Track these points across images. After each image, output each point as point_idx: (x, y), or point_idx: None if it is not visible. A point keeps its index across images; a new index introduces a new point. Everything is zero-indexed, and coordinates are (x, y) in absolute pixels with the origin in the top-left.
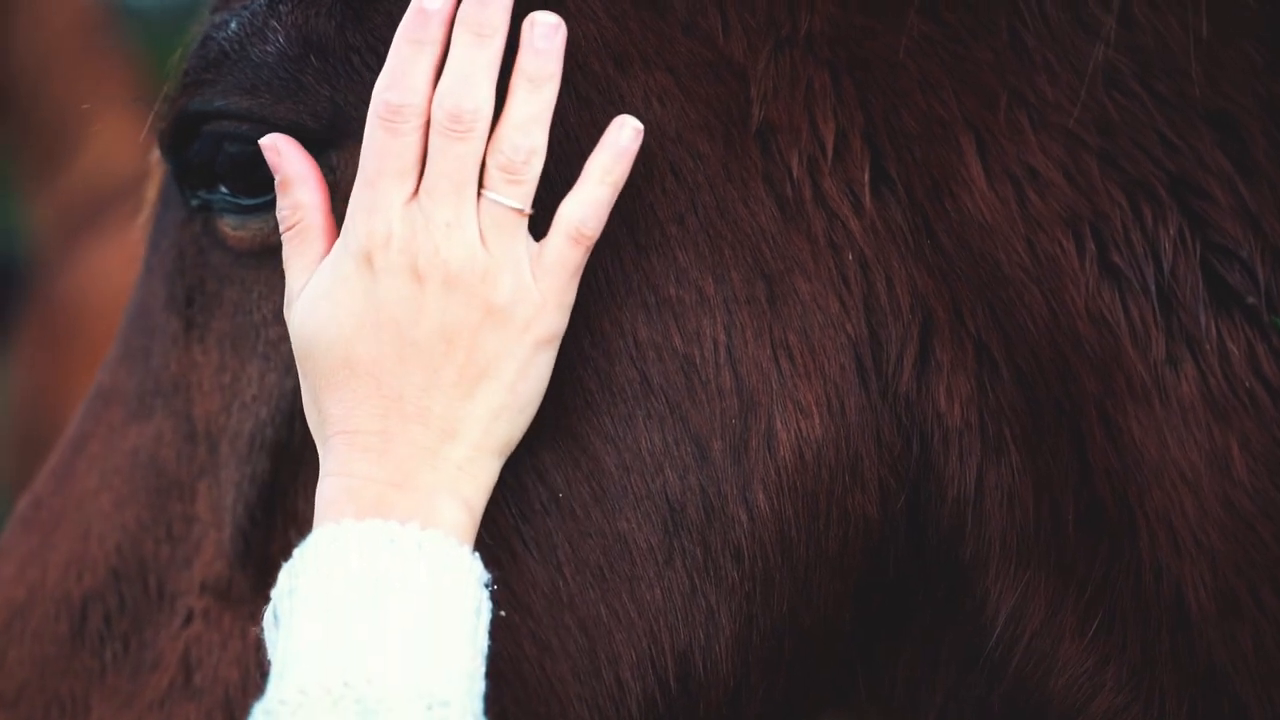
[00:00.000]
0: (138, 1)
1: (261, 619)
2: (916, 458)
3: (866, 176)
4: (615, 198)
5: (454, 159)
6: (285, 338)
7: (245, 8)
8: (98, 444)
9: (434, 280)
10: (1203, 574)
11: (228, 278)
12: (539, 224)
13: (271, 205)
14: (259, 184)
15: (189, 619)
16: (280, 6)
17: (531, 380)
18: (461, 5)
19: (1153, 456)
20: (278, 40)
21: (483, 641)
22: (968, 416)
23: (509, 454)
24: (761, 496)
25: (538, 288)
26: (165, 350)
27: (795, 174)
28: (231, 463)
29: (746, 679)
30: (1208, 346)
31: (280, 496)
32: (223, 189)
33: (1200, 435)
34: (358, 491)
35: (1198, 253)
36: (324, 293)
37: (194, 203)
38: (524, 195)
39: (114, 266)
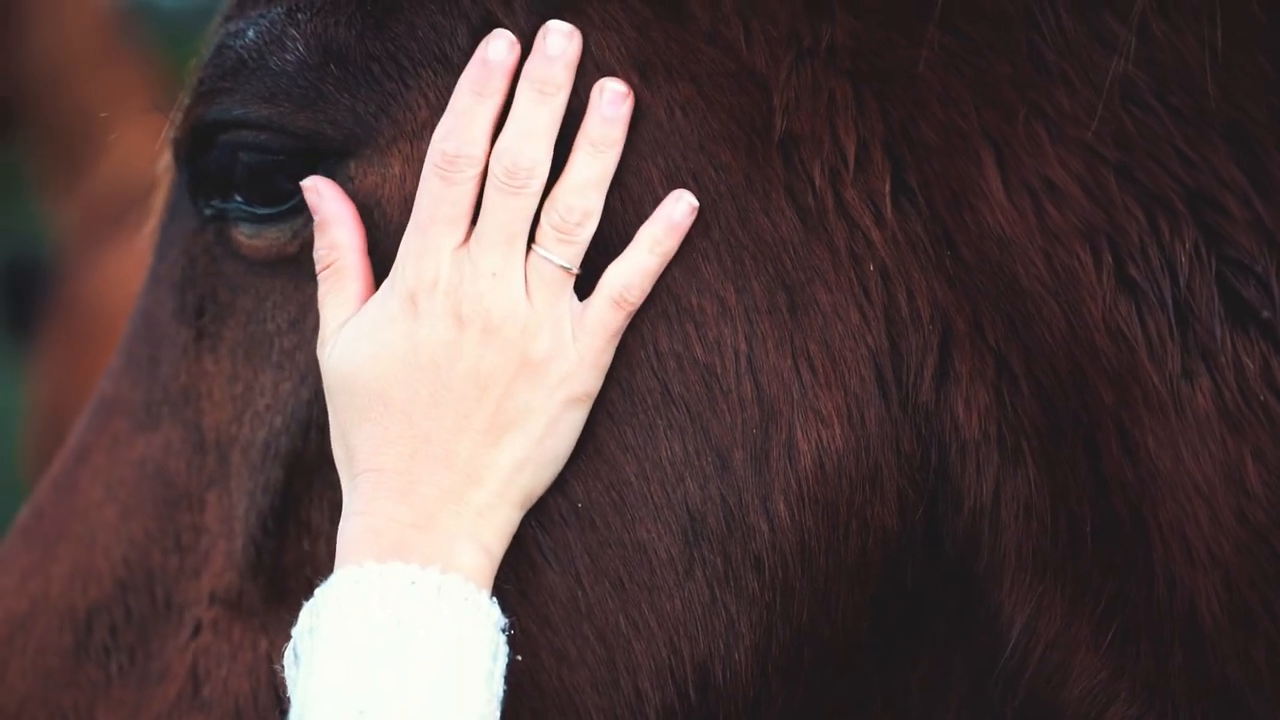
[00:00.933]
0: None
1: (280, 651)
2: (934, 469)
3: (888, 188)
4: (662, 268)
5: (507, 212)
6: (300, 347)
7: (262, 16)
8: (102, 455)
9: (474, 327)
10: (1216, 587)
11: (241, 287)
12: (582, 283)
13: (287, 215)
14: (276, 193)
15: (197, 630)
16: (299, 15)
17: (559, 437)
18: (527, 61)
19: (1167, 469)
20: (297, 49)
21: (498, 687)
22: (986, 428)
23: (530, 506)
24: (782, 507)
25: (576, 347)
26: (174, 360)
27: (817, 184)
28: (243, 472)
29: (766, 689)
30: (1223, 360)
31: (294, 506)
32: (238, 198)
33: (1214, 448)
34: (380, 532)
35: (1213, 267)
36: (367, 332)
37: (207, 212)
38: (573, 255)
39: (136, 270)
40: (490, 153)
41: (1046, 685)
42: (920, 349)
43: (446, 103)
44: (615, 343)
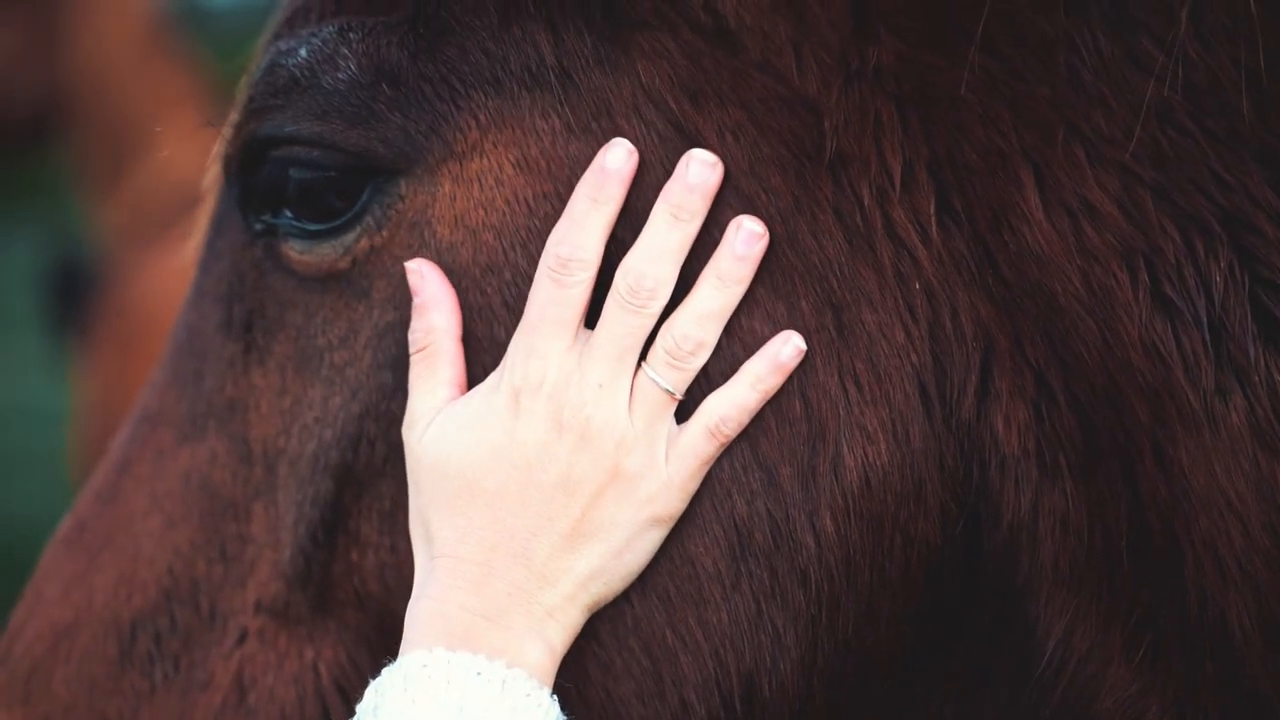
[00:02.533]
0: (211, 2)
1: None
2: (975, 484)
3: (932, 208)
4: (762, 405)
5: (624, 328)
6: (350, 363)
7: (314, 35)
8: (146, 466)
9: (573, 433)
10: (1247, 603)
11: (290, 302)
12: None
13: (338, 230)
14: (326, 209)
15: (243, 638)
16: (351, 35)
17: (636, 553)
18: (668, 184)
19: (1200, 485)
20: (349, 68)
21: None
22: (1025, 444)
23: (596, 611)
24: (829, 522)
25: (667, 469)
26: (220, 373)
27: (866, 204)
28: (291, 484)
29: (810, 700)
30: (1256, 378)
31: (344, 518)
32: (288, 213)
33: (1247, 465)
34: (451, 619)
35: (1247, 286)
36: (468, 422)
37: (258, 227)
38: (680, 382)
39: (185, 274)
40: (602, 256)
41: (1080, 697)
42: (963, 366)
43: (496, 124)
44: (705, 470)
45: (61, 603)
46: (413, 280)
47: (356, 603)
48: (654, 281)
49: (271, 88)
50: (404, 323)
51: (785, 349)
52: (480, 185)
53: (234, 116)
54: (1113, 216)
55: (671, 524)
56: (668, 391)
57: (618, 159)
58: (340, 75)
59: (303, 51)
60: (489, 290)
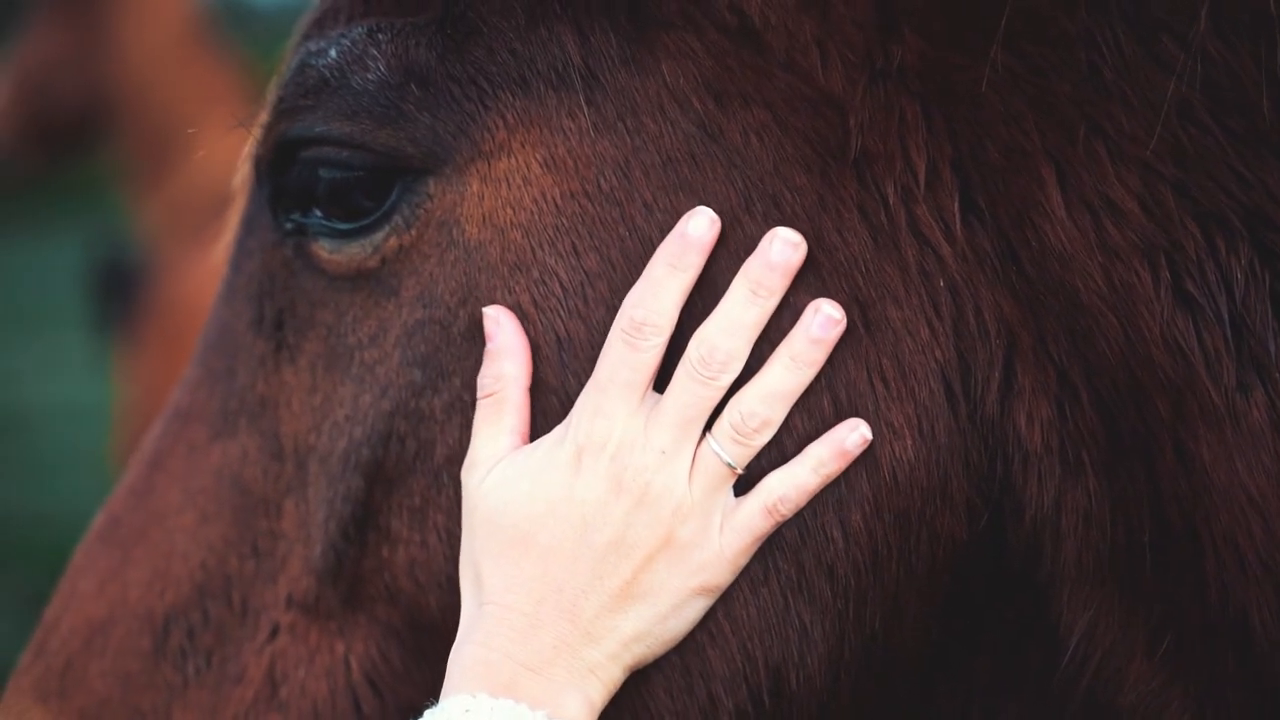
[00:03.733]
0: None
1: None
2: (999, 479)
3: (956, 205)
4: (822, 488)
5: (692, 397)
6: (380, 361)
7: (343, 36)
8: (178, 462)
9: (631, 496)
10: (1268, 599)
11: (320, 301)
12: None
13: (367, 230)
14: (355, 209)
15: (274, 633)
16: (380, 36)
17: (681, 619)
18: (749, 259)
19: (1221, 480)
20: (378, 68)
21: None
22: (1048, 440)
23: (634, 671)
24: (856, 516)
25: (720, 540)
26: (251, 370)
27: (891, 202)
28: (322, 481)
29: (836, 693)
30: (1277, 374)
31: (374, 515)
32: (318, 213)
33: (1268, 460)
34: (495, 666)
35: (1267, 283)
36: (529, 473)
37: (288, 226)
38: (743, 457)
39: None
40: (675, 322)
41: (1104, 690)
42: (987, 363)
43: (524, 124)
44: (757, 546)
45: (96, 597)
46: (488, 326)
47: (387, 598)
48: (726, 355)
49: (301, 88)
50: (433, 320)
51: (851, 436)
52: (508, 184)
53: (264, 117)
54: (1134, 214)
55: (718, 594)
56: (729, 465)
57: (699, 228)
58: (369, 76)
59: (332, 52)
60: (517, 288)
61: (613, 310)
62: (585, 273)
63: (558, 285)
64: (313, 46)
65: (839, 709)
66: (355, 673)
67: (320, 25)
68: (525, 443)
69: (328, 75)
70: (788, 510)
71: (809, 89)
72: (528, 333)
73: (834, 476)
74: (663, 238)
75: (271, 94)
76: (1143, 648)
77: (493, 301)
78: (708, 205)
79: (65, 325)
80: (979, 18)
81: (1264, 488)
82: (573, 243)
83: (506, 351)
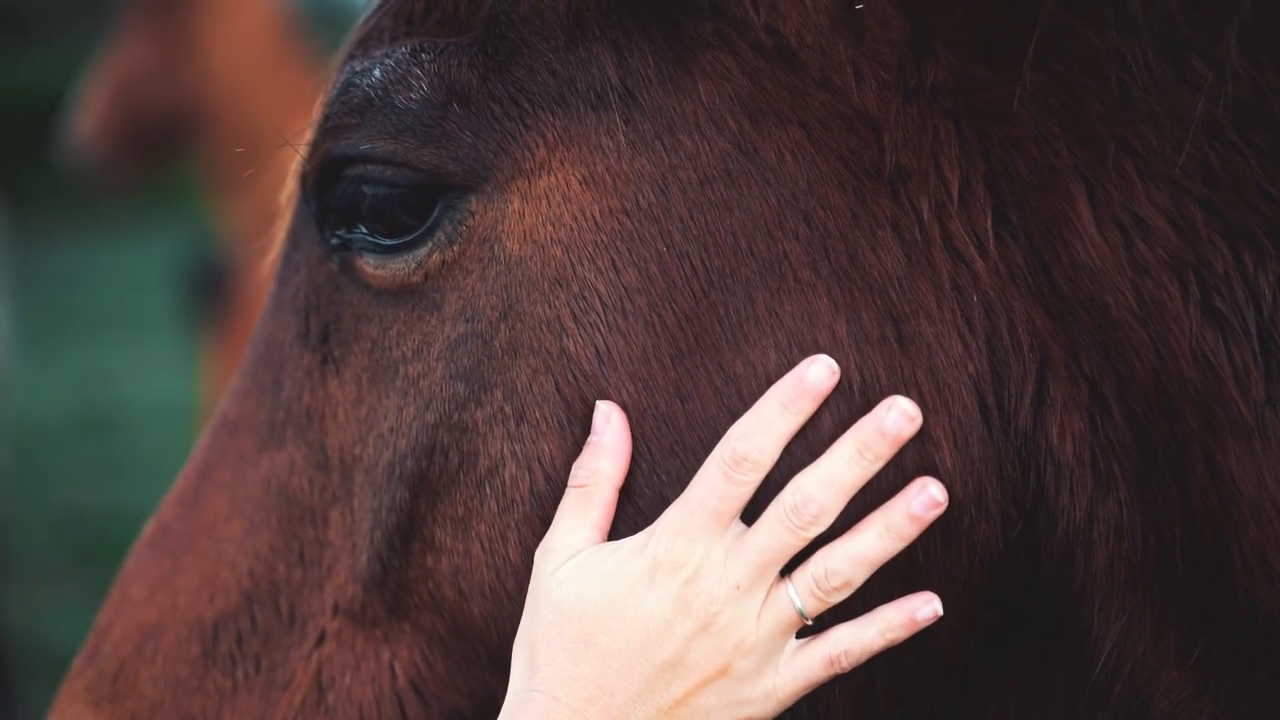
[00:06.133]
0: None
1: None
2: (1033, 491)
3: (989, 221)
4: (881, 651)
5: (777, 541)
6: (424, 375)
7: (387, 56)
8: (227, 472)
9: (696, 621)
10: None
11: (365, 315)
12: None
13: (410, 245)
14: (399, 225)
15: (321, 639)
16: (423, 55)
17: None
18: (863, 419)
19: (1250, 493)
20: (421, 88)
21: None
22: (1080, 453)
23: None
24: None
25: (775, 679)
26: (298, 383)
27: (925, 218)
28: (367, 491)
29: (872, 700)
30: None
31: (419, 525)
32: (362, 229)
33: None
34: None
35: None
36: (603, 574)
37: (333, 241)
38: (817, 610)
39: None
40: (776, 461)
41: (1135, 699)
42: (1020, 376)
43: (563, 142)
44: (808, 691)
45: (147, 603)
46: (598, 420)
47: (431, 606)
48: (819, 508)
49: (346, 107)
50: (475, 335)
51: (924, 609)
52: (548, 202)
53: (310, 135)
54: (1162, 230)
55: None
56: (800, 614)
57: (819, 376)
58: (413, 95)
59: (376, 72)
60: (557, 303)
61: (651, 326)
62: (624, 288)
63: (597, 300)
64: (357, 66)
65: (875, 718)
66: (400, 679)
67: (364, 45)
68: (604, 538)
69: (372, 94)
70: (848, 664)
71: (844, 107)
72: (566, 347)
73: (897, 642)
74: (699, 253)
75: (317, 112)
76: (1174, 657)
77: (533, 317)
78: (743, 221)
79: (158, 326)
80: (1011, 37)
81: None
82: (611, 258)
83: (608, 450)
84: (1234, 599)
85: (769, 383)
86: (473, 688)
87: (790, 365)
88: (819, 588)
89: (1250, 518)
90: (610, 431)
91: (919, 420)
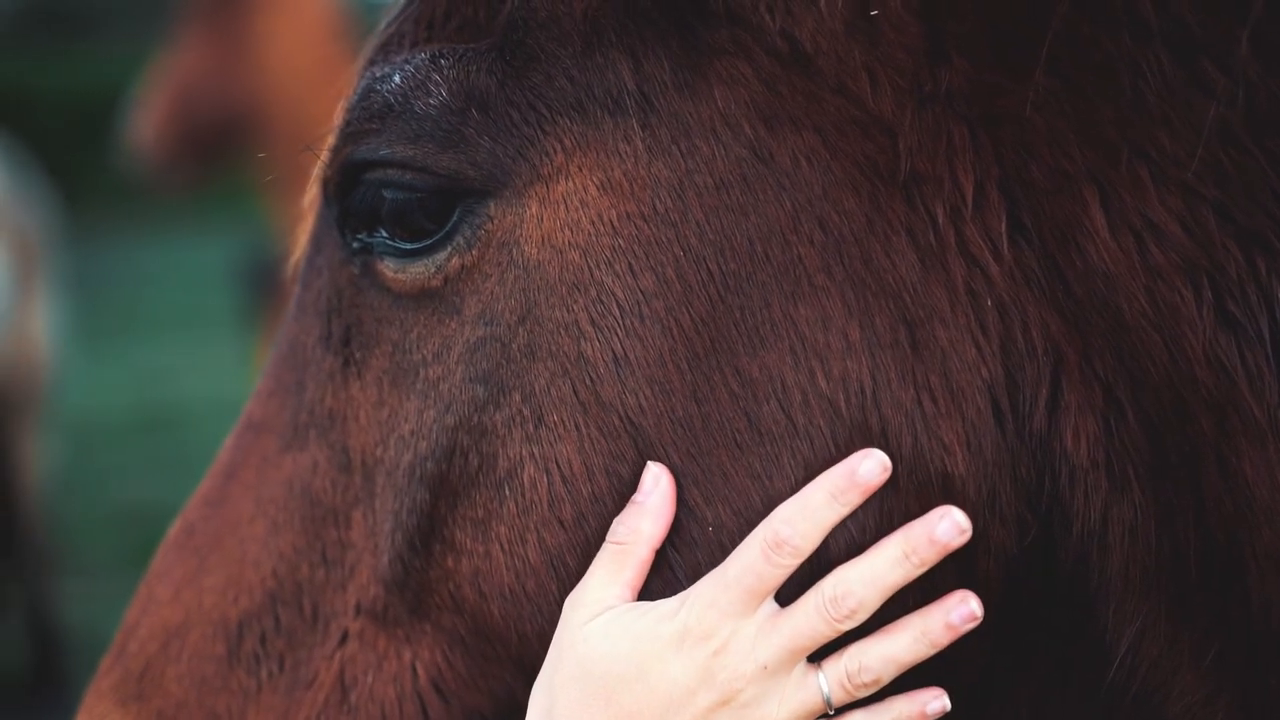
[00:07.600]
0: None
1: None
2: (1048, 494)
3: (1004, 226)
4: None
5: (810, 629)
6: (444, 378)
7: (407, 62)
8: (251, 472)
9: (718, 693)
10: None
11: (386, 318)
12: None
13: (430, 249)
14: (418, 229)
15: (344, 639)
16: (442, 62)
17: None
18: (914, 523)
19: (1264, 497)
20: (440, 94)
21: None
22: (1094, 455)
23: None
24: None
25: None
26: (320, 385)
27: (940, 222)
28: (388, 493)
29: None
30: None
31: (439, 526)
32: (383, 233)
33: None
34: None
35: None
36: (633, 635)
37: (354, 245)
38: (843, 701)
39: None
40: (816, 548)
41: (1150, 701)
42: (1034, 380)
43: (581, 147)
44: None
45: (172, 603)
46: (646, 482)
47: (452, 606)
48: (858, 603)
49: (367, 112)
50: (493, 338)
51: (934, 704)
52: (566, 206)
53: (331, 140)
54: (1176, 235)
55: None
56: (827, 702)
57: (871, 471)
58: (432, 100)
59: (396, 78)
60: (574, 307)
61: (668, 330)
62: (641, 292)
63: (615, 304)
64: (377, 72)
65: None
66: (422, 679)
67: (384, 51)
68: (635, 598)
69: (392, 100)
70: None
71: (859, 113)
72: (584, 350)
73: None
74: (715, 258)
75: (338, 118)
76: (1189, 660)
77: (552, 321)
78: (758, 225)
79: (216, 325)
80: (1024, 42)
81: None
82: (629, 263)
83: (652, 513)
84: (1248, 602)
85: (783, 387)
86: (493, 688)
87: (808, 372)
88: (850, 681)
89: (1264, 521)
90: (657, 494)
91: (969, 533)
